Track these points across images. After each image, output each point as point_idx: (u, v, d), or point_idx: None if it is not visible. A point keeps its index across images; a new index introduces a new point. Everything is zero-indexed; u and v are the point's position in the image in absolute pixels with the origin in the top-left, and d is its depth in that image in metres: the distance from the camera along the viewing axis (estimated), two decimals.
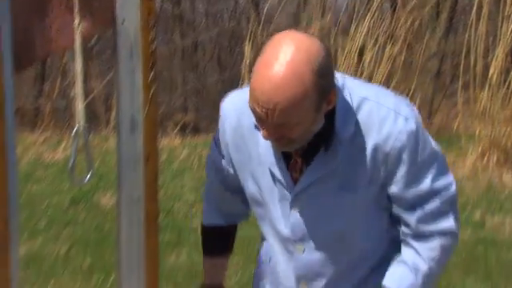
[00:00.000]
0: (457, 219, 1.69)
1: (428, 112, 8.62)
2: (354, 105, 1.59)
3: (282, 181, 1.66)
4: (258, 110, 1.49)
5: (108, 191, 5.91)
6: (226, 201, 1.87)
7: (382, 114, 1.58)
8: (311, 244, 1.68)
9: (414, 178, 1.62)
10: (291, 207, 1.67)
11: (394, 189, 1.64)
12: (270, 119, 1.48)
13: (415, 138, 1.60)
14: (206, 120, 8.81)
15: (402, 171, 1.61)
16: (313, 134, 1.56)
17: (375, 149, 1.59)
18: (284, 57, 1.46)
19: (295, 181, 1.65)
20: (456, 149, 7.42)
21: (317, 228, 1.67)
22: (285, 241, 1.72)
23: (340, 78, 1.60)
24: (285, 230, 1.70)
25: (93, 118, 7.56)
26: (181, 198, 5.91)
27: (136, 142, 1.39)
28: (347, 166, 1.60)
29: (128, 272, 1.44)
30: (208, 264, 1.90)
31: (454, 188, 1.67)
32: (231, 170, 1.77)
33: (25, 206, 5.46)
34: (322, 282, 1.72)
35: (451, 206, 1.67)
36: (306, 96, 1.46)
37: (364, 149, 1.59)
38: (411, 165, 1.60)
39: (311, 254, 1.69)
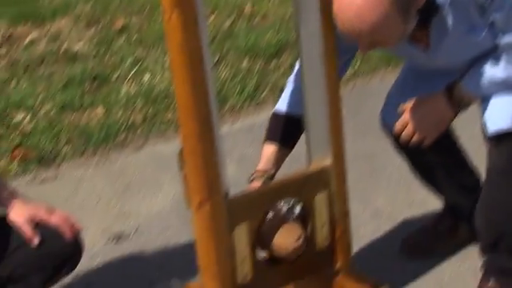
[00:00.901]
0: None
1: None
2: None
3: (414, 50, 1.65)
4: (347, 33, 1.46)
5: None
6: None
7: None
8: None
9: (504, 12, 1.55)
10: (425, 61, 1.70)
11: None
12: (360, 40, 1.46)
13: None
14: None
15: (498, 11, 1.55)
16: (411, 30, 1.50)
17: (471, 3, 1.54)
18: None
19: (425, 44, 1.63)
20: None
21: (450, 62, 1.68)
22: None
23: None
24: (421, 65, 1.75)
25: None
26: None
27: None
28: (460, 22, 1.56)
29: None
30: (269, 151, 1.72)
31: None
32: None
33: None
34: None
35: None
36: (386, 17, 1.41)
37: (463, 7, 1.54)
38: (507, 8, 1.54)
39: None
